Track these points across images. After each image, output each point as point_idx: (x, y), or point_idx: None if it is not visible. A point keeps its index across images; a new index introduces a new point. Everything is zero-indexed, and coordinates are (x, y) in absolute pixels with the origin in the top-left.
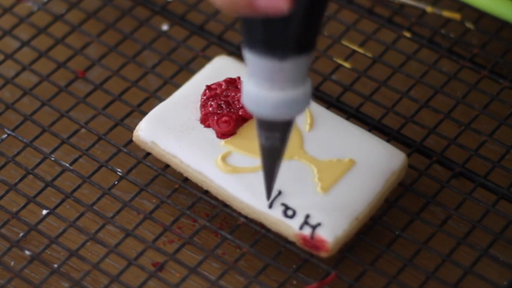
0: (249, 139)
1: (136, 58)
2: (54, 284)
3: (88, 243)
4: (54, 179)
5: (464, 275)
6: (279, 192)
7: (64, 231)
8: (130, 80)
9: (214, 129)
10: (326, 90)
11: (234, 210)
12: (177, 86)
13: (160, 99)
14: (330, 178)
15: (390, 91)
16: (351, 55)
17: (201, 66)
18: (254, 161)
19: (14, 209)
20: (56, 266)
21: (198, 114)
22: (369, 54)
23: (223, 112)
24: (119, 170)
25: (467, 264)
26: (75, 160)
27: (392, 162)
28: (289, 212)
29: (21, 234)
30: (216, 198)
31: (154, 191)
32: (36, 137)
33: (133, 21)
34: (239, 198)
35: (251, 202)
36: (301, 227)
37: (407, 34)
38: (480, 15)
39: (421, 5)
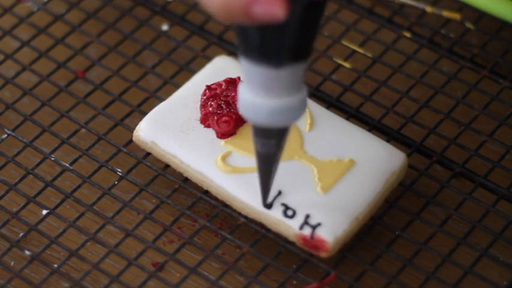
0: (249, 139)
1: (136, 58)
2: (54, 284)
3: (88, 243)
4: (54, 179)
5: (464, 275)
6: (279, 192)
7: (64, 231)
8: (130, 80)
9: (214, 129)
10: (326, 90)
11: (234, 210)
12: (177, 86)
13: (160, 99)
14: (330, 178)
15: (390, 91)
16: (351, 55)
17: (201, 66)
18: (254, 161)
19: (14, 209)
20: (56, 266)
21: (198, 114)
22: (369, 54)
23: (223, 112)
24: (119, 170)
25: (467, 264)
26: (75, 160)
27: (392, 162)
28: (289, 212)
29: (21, 234)
30: (216, 198)
31: (154, 191)
32: (36, 137)
33: (133, 21)
34: (239, 198)
35: (251, 202)
36: (301, 227)
37: (407, 34)
38: (480, 15)
39: (421, 5)
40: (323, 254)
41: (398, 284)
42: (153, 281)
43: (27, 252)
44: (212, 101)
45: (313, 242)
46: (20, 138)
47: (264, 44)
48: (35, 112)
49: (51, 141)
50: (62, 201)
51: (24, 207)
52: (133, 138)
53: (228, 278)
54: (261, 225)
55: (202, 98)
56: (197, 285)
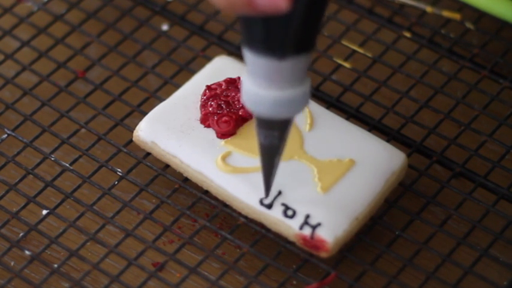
0: (249, 139)
1: (136, 58)
2: (54, 284)
3: (88, 243)
4: (54, 179)
5: (464, 275)
6: (279, 192)
7: (64, 231)
8: (130, 80)
9: (214, 129)
10: (326, 90)
11: (234, 210)
12: (177, 86)
13: (160, 99)
14: (330, 178)
15: (390, 91)
16: (351, 55)
17: (201, 66)
18: (254, 161)
19: (14, 209)
20: (56, 266)
21: (198, 114)
22: (369, 54)
23: (223, 112)
24: (119, 170)
25: (467, 264)
26: (75, 160)
27: (392, 162)
28: (289, 212)
29: (21, 234)
30: (216, 198)
31: (154, 191)
32: (36, 137)
33: (133, 21)
34: (239, 198)
35: (251, 202)
36: (301, 227)
37: (407, 34)
38: (480, 15)
39: (421, 5)
40: (323, 254)
41: (398, 284)
42: (153, 281)
43: (27, 252)
44: (212, 101)
45: (313, 242)
46: (20, 138)
47: (267, 35)
48: (35, 112)
49: (51, 141)
50: (62, 201)
51: (24, 207)
52: (134, 138)
53: (228, 278)
54: (261, 225)
55: (202, 98)
56: (197, 285)
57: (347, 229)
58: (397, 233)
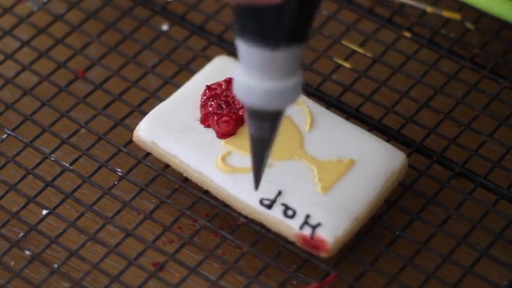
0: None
1: (136, 58)
2: (54, 284)
3: (88, 243)
4: (54, 179)
5: (464, 275)
6: (279, 192)
7: (64, 231)
8: (131, 80)
9: (214, 129)
10: (326, 90)
11: (234, 210)
12: (177, 86)
13: (160, 99)
14: (330, 178)
15: (390, 91)
16: (351, 55)
17: (201, 66)
18: None
19: (14, 209)
20: (56, 266)
21: (198, 114)
22: (369, 54)
23: (223, 112)
24: (119, 170)
25: (467, 264)
26: (75, 160)
27: (392, 162)
28: (289, 212)
29: (21, 234)
30: (216, 198)
31: (154, 191)
32: (36, 137)
33: (133, 21)
34: (239, 198)
35: (251, 202)
36: (301, 227)
37: (407, 34)
38: (480, 15)
39: (421, 5)
40: (323, 254)
41: (398, 284)
42: (153, 281)
43: (27, 252)
44: (212, 101)
45: (313, 242)
46: (20, 138)
47: (260, 25)
48: (35, 112)
49: (51, 141)
50: (62, 201)
51: (24, 207)
52: (134, 138)
53: (228, 278)
54: (261, 225)
55: (202, 98)
56: (197, 285)
57: (347, 229)
58: (397, 233)
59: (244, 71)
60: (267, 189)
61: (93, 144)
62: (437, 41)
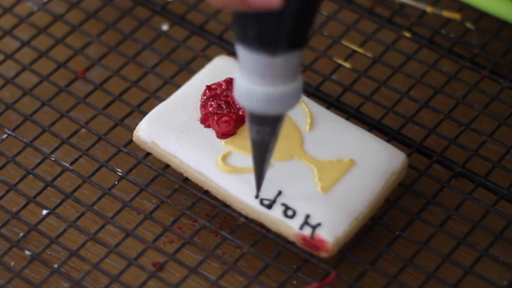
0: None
1: (136, 58)
2: (54, 284)
3: (88, 243)
4: (54, 179)
5: (464, 275)
6: (279, 192)
7: (64, 231)
8: (131, 80)
9: (214, 129)
10: (326, 90)
11: (234, 210)
12: (177, 86)
13: (160, 99)
14: (330, 178)
15: (390, 91)
16: (351, 55)
17: (201, 66)
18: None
19: (14, 209)
20: (56, 266)
21: (198, 114)
22: (369, 54)
23: (223, 112)
24: (119, 170)
25: (467, 264)
26: (75, 160)
27: (392, 162)
28: (289, 212)
29: (21, 234)
30: (216, 198)
31: (154, 191)
32: (36, 137)
33: (133, 21)
34: (239, 198)
35: (251, 202)
36: (301, 227)
37: (407, 34)
38: (480, 15)
39: (421, 5)
40: (323, 254)
41: (398, 284)
42: (153, 281)
43: (27, 252)
44: (212, 101)
45: (313, 242)
46: (20, 138)
47: (260, 31)
48: (35, 112)
49: (51, 141)
50: (62, 201)
51: (24, 207)
52: (134, 138)
53: (228, 278)
54: (261, 225)
55: (202, 98)
56: (197, 285)
57: (347, 229)
58: (397, 233)
59: (245, 75)
60: (267, 189)
61: (93, 144)
62: (437, 41)
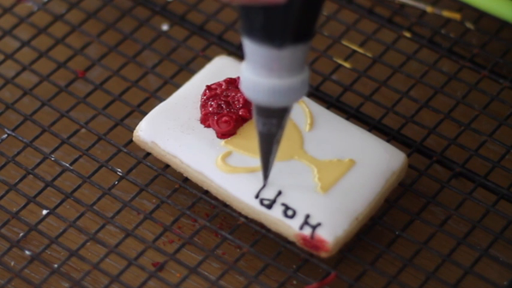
0: (249, 139)
1: (136, 58)
2: (54, 284)
3: (88, 243)
4: (54, 179)
5: (464, 275)
6: (279, 192)
7: (64, 231)
8: (131, 80)
9: (214, 129)
10: (326, 90)
11: (234, 210)
12: (177, 86)
13: (160, 99)
14: (330, 178)
15: (390, 91)
16: (351, 55)
17: (201, 66)
18: (254, 161)
19: (14, 209)
20: (56, 266)
21: (198, 114)
22: (369, 54)
23: (223, 112)
24: (119, 170)
25: (467, 264)
26: (75, 160)
27: (392, 162)
28: (289, 212)
29: (21, 234)
30: (216, 198)
31: (154, 191)
32: (36, 137)
33: (133, 21)
34: (239, 198)
35: (251, 202)
36: (301, 227)
37: (407, 34)
38: (480, 15)
39: (421, 5)
40: (323, 254)
41: (398, 284)
42: (153, 281)
43: (27, 252)
44: (212, 101)
45: (313, 242)
46: (20, 138)
47: (266, 24)
48: (35, 112)
49: (51, 141)
50: (62, 201)
51: (24, 207)
52: (134, 138)
53: (228, 278)
54: (261, 225)
55: (202, 98)
56: (197, 285)
57: (347, 229)
58: (397, 233)
59: (251, 68)
60: (267, 189)
61: (93, 144)
62: (437, 41)
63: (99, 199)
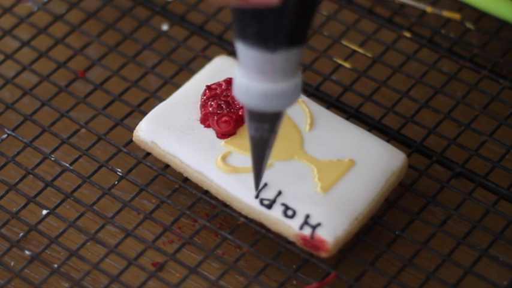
0: None
1: (136, 58)
2: (54, 284)
3: (88, 243)
4: (54, 179)
5: (464, 275)
6: (279, 192)
7: (64, 231)
8: (131, 80)
9: (214, 129)
10: (326, 90)
11: (234, 210)
12: (177, 86)
13: (160, 99)
14: (330, 178)
15: (390, 91)
16: (351, 55)
17: (201, 66)
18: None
19: (14, 209)
20: (56, 266)
21: (198, 114)
22: (369, 54)
23: (223, 112)
24: (119, 170)
25: (467, 264)
26: (75, 160)
27: (392, 162)
28: (289, 212)
29: (21, 234)
30: (216, 198)
31: (155, 191)
32: (36, 137)
33: (133, 21)
34: (239, 198)
35: (251, 202)
36: (301, 227)
37: (407, 34)
38: (480, 15)
39: (421, 5)
40: (323, 254)
41: (398, 284)
42: (153, 281)
43: (27, 252)
44: (212, 101)
45: (313, 242)
46: (20, 138)
47: (259, 28)
48: (35, 112)
49: (51, 141)
50: (62, 201)
51: (24, 207)
52: (134, 138)
53: (228, 278)
54: (261, 225)
55: (202, 98)
56: (197, 285)
57: (347, 229)
58: (397, 233)
59: (244, 72)
60: (267, 189)
61: (93, 144)
62: (437, 41)
63: (99, 199)
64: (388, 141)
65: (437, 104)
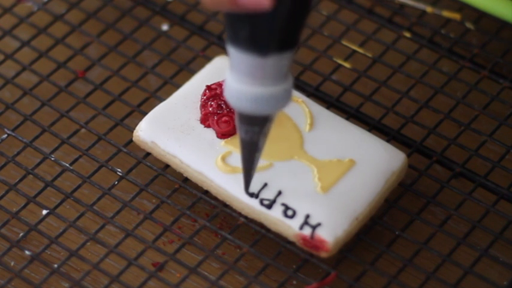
0: None
1: (136, 58)
2: (54, 284)
3: (88, 243)
4: (54, 179)
5: (464, 275)
6: (279, 192)
7: (64, 231)
8: (131, 80)
9: (214, 129)
10: (326, 90)
11: (234, 210)
12: (177, 86)
13: (160, 99)
14: (330, 178)
15: (390, 91)
16: (351, 55)
17: (201, 66)
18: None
19: (14, 209)
20: (56, 266)
21: (198, 114)
22: (369, 54)
23: (223, 112)
24: (119, 170)
25: (467, 264)
26: (75, 160)
27: (392, 162)
28: (289, 212)
29: (21, 234)
30: (216, 198)
31: (154, 191)
32: (36, 137)
33: (133, 21)
34: (239, 198)
35: (251, 202)
36: (301, 227)
37: (407, 34)
38: (480, 15)
39: (421, 5)
40: (323, 254)
41: (398, 284)
42: (153, 281)
43: (27, 252)
44: (212, 101)
45: (313, 242)
46: (20, 138)
47: (251, 32)
48: (35, 112)
49: (51, 141)
50: (62, 201)
51: (24, 207)
52: (134, 138)
53: (228, 278)
54: (261, 225)
55: (202, 98)
56: (197, 285)
57: (347, 229)
58: (397, 233)
59: (235, 75)
60: (267, 189)
61: (93, 144)
62: (437, 41)
63: (99, 199)
64: (388, 141)
65: (437, 104)
